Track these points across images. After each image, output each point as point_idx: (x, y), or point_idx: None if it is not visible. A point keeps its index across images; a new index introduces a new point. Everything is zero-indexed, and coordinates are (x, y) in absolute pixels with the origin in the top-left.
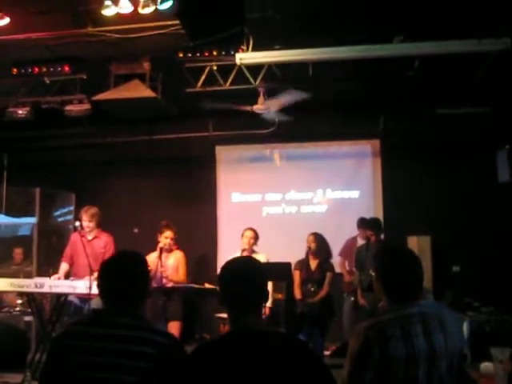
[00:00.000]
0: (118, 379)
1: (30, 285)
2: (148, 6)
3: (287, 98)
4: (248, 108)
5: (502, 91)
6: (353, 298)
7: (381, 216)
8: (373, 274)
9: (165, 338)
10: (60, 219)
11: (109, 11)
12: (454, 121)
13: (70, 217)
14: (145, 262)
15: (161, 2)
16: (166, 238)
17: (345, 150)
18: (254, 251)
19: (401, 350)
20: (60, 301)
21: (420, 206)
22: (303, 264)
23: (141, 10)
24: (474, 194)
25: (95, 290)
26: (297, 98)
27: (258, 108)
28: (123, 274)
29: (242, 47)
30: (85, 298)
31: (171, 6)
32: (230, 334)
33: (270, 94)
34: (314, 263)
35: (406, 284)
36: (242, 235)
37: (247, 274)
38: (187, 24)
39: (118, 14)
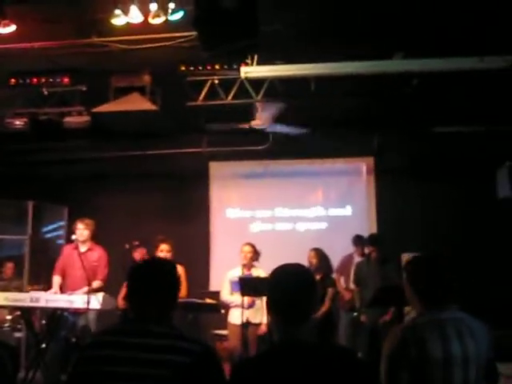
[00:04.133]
0: None
1: (26, 299)
2: (158, 16)
3: (273, 109)
4: (246, 125)
5: (500, 109)
6: (355, 314)
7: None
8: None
9: (199, 347)
10: (49, 234)
11: (118, 21)
12: (451, 139)
13: (61, 231)
14: (176, 270)
15: (171, 13)
16: (161, 251)
17: (339, 168)
18: (253, 266)
19: (438, 352)
20: (55, 316)
21: (414, 223)
22: None
23: (151, 21)
24: (469, 211)
25: (93, 305)
26: (280, 108)
27: (256, 124)
28: (157, 281)
29: (247, 61)
30: (77, 313)
31: (182, 17)
32: (279, 346)
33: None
34: None
35: (439, 289)
36: (241, 250)
37: (299, 282)
38: (203, 34)
39: (123, 25)
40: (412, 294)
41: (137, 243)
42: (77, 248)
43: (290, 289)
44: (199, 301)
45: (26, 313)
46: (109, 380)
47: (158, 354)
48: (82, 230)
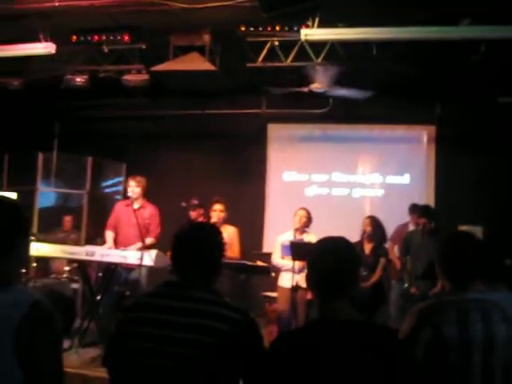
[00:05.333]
0: (189, 354)
1: (81, 252)
2: None
3: (332, 72)
4: (306, 88)
5: None
6: (406, 285)
7: (432, 203)
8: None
9: (240, 315)
10: (108, 190)
11: None
12: None
13: (119, 187)
14: (221, 235)
15: None
16: (214, 211)
17: (399, 135)
18: (305, 231)
19: (454, 334)
20: (109, 270)
21: (473, 195)
22: (357, 247)
23: None
24: None
25: (146, 261)
26: (339, 71)
27: (316, 87)
28: (201, 246)
29: (307, 23)
30: (128, 268)
31: None
32: (315, 323)
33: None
34: (368, 247)
35: (464, 267)
36: (295, 214)
37: (337, 256)
38: None
39: None
40: (440, 273)
41: (196, 202)
42: (130, 205)
43: (329, 266)
44: (250, 263)
45: (83, 265)
46: (151, 342)
47: (203, 320)
48: (133, 188)
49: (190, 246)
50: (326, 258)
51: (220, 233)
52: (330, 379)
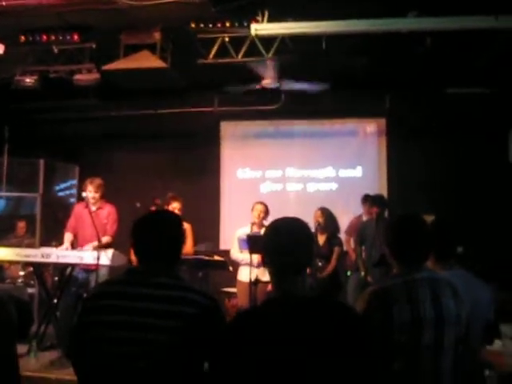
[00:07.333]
0: (154, 339)
1: (37, 255)
2: None
3: (275, 65)
4: (258, 85)
5: None
6: (363, 273)
7: (385, 194)
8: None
9: (207, 299)
10: (61, 193)
11: None
12: (464, 100)
13: (73, 190)
14: (181, 222)
15: None
16: (173, 209)
17: (350, 128)
18: (263, 225)
19: (405, 315)
20: (66, 272)
21: (425, 185)
22: None
23: None
24: (481, 173)
25: (103, 261)
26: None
27: (266, 83)
28: (162, 232)
29: (257, 18)
30: (90, 270)
31: None
32: (272, 301)
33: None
34: (321, 238)
35: (413, 248)
36: (253, 209)
37: (291, 233)
38: None
39: None
40: (389, 256)
41: (158, 202)
42: (87, 207)
43: (282, 240)
44: (207, 258)
45: (38, 269)
46: (115, 330)
47: (168, 305)
48: (93, 193)
49: (153, 227)
50: (280, 237)
51: (179, 219)
52: (289, 355)
